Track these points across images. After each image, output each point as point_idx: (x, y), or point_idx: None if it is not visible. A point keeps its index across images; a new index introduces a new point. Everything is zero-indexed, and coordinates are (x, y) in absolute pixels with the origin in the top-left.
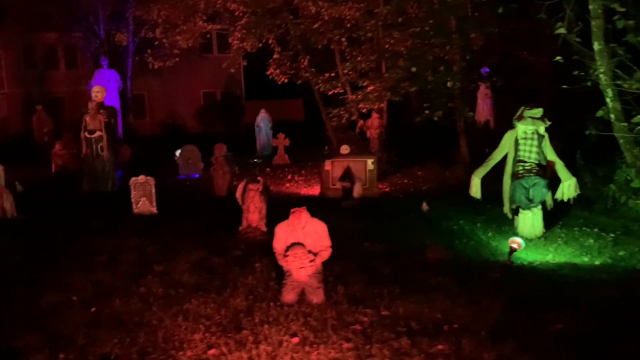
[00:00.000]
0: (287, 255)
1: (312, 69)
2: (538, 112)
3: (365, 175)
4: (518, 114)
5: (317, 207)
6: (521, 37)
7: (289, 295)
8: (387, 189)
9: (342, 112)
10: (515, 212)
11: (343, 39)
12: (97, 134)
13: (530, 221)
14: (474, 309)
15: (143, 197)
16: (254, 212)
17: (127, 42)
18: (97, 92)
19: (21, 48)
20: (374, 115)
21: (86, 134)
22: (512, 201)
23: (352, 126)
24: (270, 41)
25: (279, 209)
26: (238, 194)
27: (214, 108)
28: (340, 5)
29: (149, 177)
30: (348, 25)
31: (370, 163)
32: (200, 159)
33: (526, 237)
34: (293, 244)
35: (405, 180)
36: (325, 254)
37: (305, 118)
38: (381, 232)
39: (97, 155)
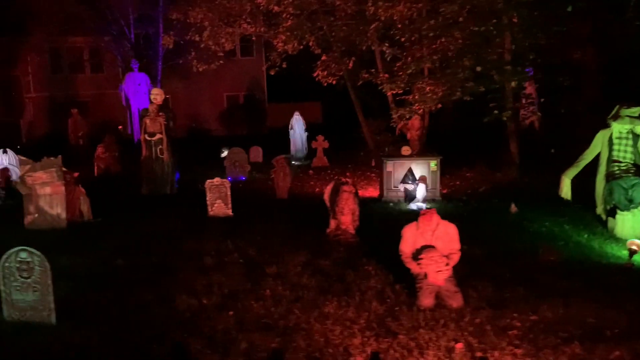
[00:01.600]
0: (422, 259)
1: (372, 70)
2: (636, 110)
3: (428, 177)
4: (613, 112)
5: (381, 210)
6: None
7: (426, 300)
8: (444, 191)
9: (403, 112)
10: (610, 213)
11: (402, 39)
12: (157, 136)
13: (630, 222)
14: (622, 313)
15: (218, 199)
16: (347, 214)
17: (158, 46)
18: (157, 95)
19: (48, 52)
20: (415, 116)
21: (146, 136)
22: (606, 202)
23: (388, 128)
24: (310, 43)
25: None
26: (326, 196)
27: (237, 111)
28: (398, 5)
29: (224, 180)
30: (399, 26)
31: (433, 164)
32: (247, 161)
33: (625, 238)
34: (423, 247)
35: (458, 182)
36: (456, 257)
37: (323, 120)
38: (471, 234)
39: (156, 158)
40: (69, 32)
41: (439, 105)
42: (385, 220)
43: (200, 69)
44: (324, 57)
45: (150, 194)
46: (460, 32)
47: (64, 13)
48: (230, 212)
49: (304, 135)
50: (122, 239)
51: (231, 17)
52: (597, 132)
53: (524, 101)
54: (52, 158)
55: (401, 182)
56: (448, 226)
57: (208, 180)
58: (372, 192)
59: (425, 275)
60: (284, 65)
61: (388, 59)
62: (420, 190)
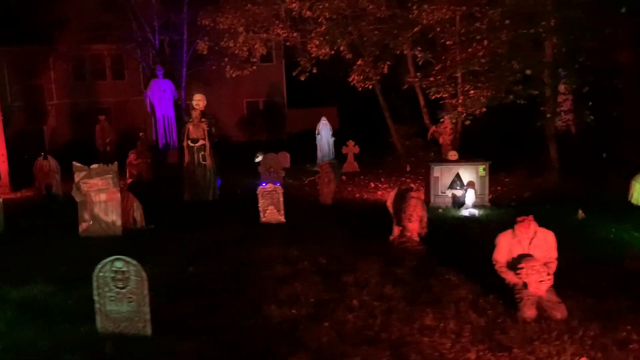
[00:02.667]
0: (522, 268)
1: (418, 74)
2: None
3: (477, 182)
4: None
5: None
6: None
7: (529, 311)
8: (489, 196)
9: (449, 117)
10: None
11: (448, 42)
12: (200, 142)
13: None
14: None
15: (271, 205)
16: (415, 221)
17: (182, 52)
18: (199, 101)
19: (71, 60)
20: (446, 120)
21: (189, 142)
22: None
23: (417, 133)
24: (341, 48)
25: None
26: (389, 202)
27: (257, 117)
28: (442, 9)
29: (276, 186)
30: (438, 29)
31: (481, 169)
32: (282, 167)
33: None
34: (520, 256)
35: (499, 188)
36: (554, 266)
37: (339, 125)
38: None
39: (198, 164)
40: (93, 40)
41: (484, 109)
42: (441, 227)
43: (234, 75)
44: (360, 62)
45: (192, 201)
46: (507, 35)
47: (90, 21)
48: (282, 218)
49: (331, 140)
50: (183, 246)
51: (259, 23)
52: None
53: (566, 105)
54: (108, 165)
55: (449, 188)
56: (547, 234)
57: (260, 187)
58: None
59: (525, 286)
60: (314, 71)
61: (420, 63)
62: (470, 196)
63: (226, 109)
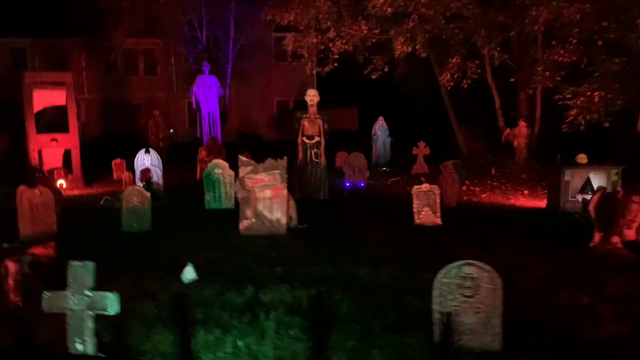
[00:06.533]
0: None
1: (543, 69)
2: None
3: (608, 187)
4: None
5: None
6: None
7: None
8: None
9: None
10: None
11: (573, 40)
12: (316, 139)
13: None
14: None
15: (426, 206)
16: (634, 228)
17: (228, 48)
18: (313, 96)
19: (103, 54)
20: (521, 123)
21: (304, 139)
22: None
23: (482, 135)
24: (418, 46)
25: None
26: (591, 206)
27: (287, 116)
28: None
29: (433, 186)
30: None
31: (613, 173)
32: (367, 167)
33: None
34: None
35: None
36: None
37: (359, 126)
38: None
39: (311, 161)
40: (135, 34)
41: (602, 113)
42: None
43: (314, 72)
44: (454, 60)
45: (303, 199)
46: None
47: (135, 15)
48: (439, 221)
49: (387, 141)
50: (358, 246)
51: (325, 20)
52: None
53: None
54: (277, 160)
55: (579, 193)
56: None
57: (415, 187)
58: (523, 201)
59: None
60: (386, 69)
61: (496, 63)
62: None
63: (257, 108)
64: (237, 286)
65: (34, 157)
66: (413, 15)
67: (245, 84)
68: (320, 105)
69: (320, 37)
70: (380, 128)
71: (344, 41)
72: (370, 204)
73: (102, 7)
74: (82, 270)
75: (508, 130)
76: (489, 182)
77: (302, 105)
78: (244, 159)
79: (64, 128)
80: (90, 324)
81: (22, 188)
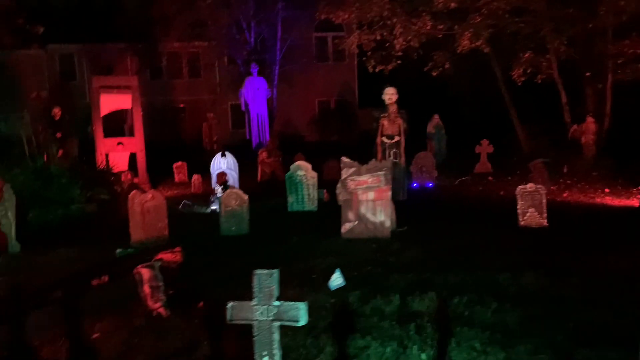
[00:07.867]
0: None
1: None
2: None
3: None
4: None
5: None
6: None
7: None
8: None
9: None
10: None
11: None
12: (396, 139)
13: None
14: None
15: (531, 207)
16: None
17: (276, 49)
18: (392, 95)
19: (151, 59)
20: (589, 119)
21: (384, 139)
22: None
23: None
24: (480, 41)
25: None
26: None
27: (329, 116)
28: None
29: (538, 186)
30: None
31: None
32: (435, 166)
33: None
34: None
35: None
36: None
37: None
38: None
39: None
40: (185, 38)
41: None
42: None
43: (377, 70)
44: (527, 55)
45: None
46: None
47: (186, 20)
48: (545, 222)
49: (443, 139)
50: (473, 250)
51: (379, 19)
52: None
53: None
54: (382, 161)
55: None
56: None
57: (519, 187)
58: (609, 200)
59: None
60: (447, 66)
61: (562, 58)
62: None
63: (298, 108)
64: (379, 293)
65: (101, 161)
66: (483, 10)
67: (289, 84)
68: (363, 105)
69: (383, 34)
70: (435, 126)
71: (409, 37)
72: (453, 204)
73: (150, 13)
74: (267, 279)
75: (575, 126)
76: (561, 180)
77: (344, 105)
78: (347, 160)
79: (121, 132)
80: (277, 336)
81: (134, 193)
